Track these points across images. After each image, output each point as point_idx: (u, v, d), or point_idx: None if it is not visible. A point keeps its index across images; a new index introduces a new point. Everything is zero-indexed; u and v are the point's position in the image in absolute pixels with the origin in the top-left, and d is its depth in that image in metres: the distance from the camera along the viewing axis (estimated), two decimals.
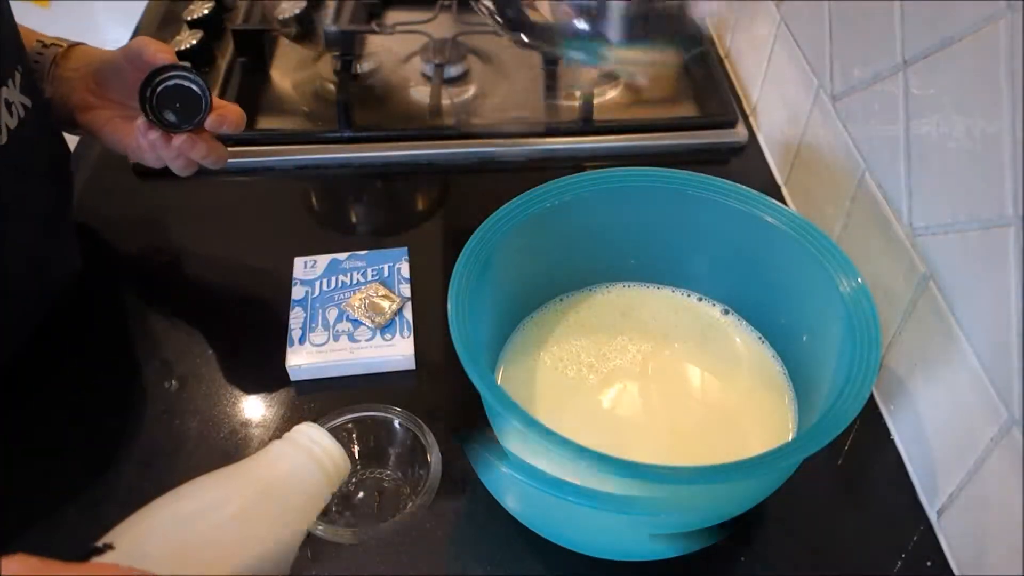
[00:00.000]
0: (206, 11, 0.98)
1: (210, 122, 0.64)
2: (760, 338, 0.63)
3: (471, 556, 0.57)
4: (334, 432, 0.58)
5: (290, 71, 0.96)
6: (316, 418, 0.58)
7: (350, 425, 0.59)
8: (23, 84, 0.62)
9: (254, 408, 0.64)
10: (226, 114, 0.64)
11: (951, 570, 0.56)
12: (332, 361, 0.65)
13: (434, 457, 0.56)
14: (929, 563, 0.56)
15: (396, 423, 0.59)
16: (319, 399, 0.64)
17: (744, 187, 0.61)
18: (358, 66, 0.94)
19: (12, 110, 0.61)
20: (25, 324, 0.67)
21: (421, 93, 0.92)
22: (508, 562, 0.57)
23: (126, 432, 0.63)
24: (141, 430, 0.64)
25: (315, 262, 0.73)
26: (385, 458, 0.60)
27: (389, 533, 0.54)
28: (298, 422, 0.62)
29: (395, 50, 0.97)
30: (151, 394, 0.66)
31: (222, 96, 0.90)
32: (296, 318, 0.68)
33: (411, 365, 0.66)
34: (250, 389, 0.66)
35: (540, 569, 0.57)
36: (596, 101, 0.88)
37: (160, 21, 1.04)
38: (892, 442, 0.63)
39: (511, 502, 0.54)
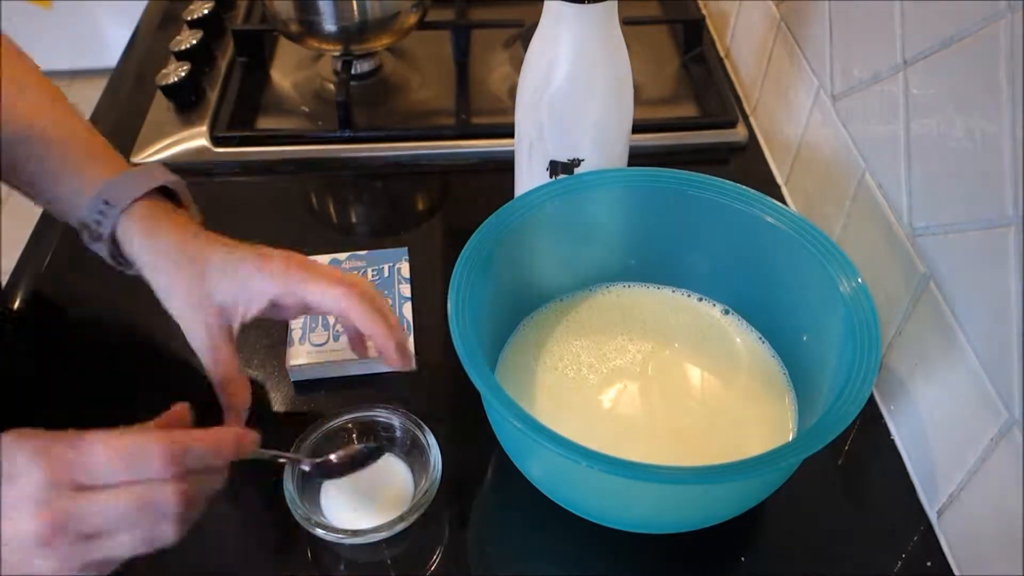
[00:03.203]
0: (206, 11, 0.98)
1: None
2: (760, 338, 0.63)
3: (471, 554, 0.57)
4: (335, 432, 0.58)
5: (290, 71, 0.96)
6: (317, 418, 0.58)
7: (350, 425, 0.59)
8: None
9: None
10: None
11: (951, 570, 0.55)
12: (332, 361, 0.65)
13: (434, 457, 0.56)
14: (929, 563, 0.56)
15: (396, 423, 0.59)
16: (319, 399, 0.64)
17: (744, 187, 0.61)
18: (358, 66, 0.94)
19: None
20: None
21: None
22: (506, 560, 0.57)
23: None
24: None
25: (315, 262, 0.73)
26: (386, 458, 0.60)
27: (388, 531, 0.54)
28: (298, 422, 0.62)
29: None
30: (152, 394, 0.66)
31: (222, 95, 0.90)
32: (296, 318, 0.68)
33: (411, 365, 0.66)
34: (251, 389, 0.66)
35: (541, 568, 0.57)
36: None
37: (160, 21, 1.04)
38: (892, 442, 0.63)
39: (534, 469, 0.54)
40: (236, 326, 0.56)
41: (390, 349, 0.56)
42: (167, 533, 0.44)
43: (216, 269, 0.55)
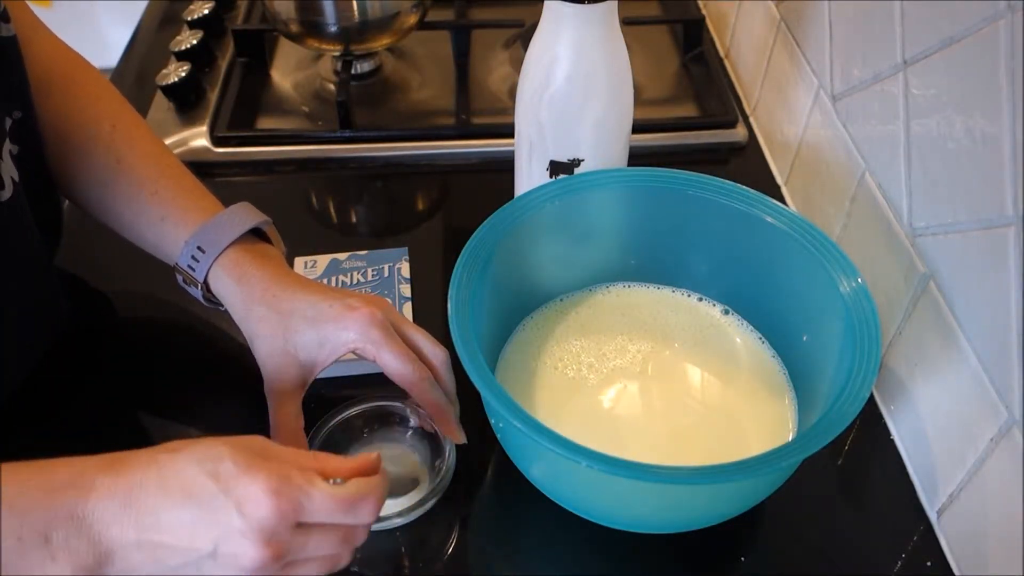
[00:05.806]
0: (206, 11, 0.98)
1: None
2: (760, 338, 0.63)
3: (472, 555, 0.57)
4: (351, 421, 0.59)
5: (290, 71, 0.96)
6: (324, 413, 0.59)
7: (367, 415, 0.60)
8: (11, 129, 0.56)
9: (256, 410, 0.64)
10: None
11: (951, 570, 0.55)
12: (333, 362, 0.65)
13: (448, 445, 0.56)
14: (929, 563, 0.56)
15: (407, 413, 0.59)
16: (319, 400, 0.64)
17: (744, 187, 0.61)
18: (358, 66, 0.94)
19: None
20: (20, 370, 0.62)
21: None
22: (506, 560, 0.57)
23: (128, 430, 0.63)
24: (145, 431, 0.64)
25: (315, 262, 0.73)
26: (401, 446, 0.60)
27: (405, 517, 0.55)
28: (310, 412, 0.62)
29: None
30: (152, 394, 0.66)
31: (222, 95, 0.90)
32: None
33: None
34: (252, 391, 0.65)
35: (542, 568, 0.57)
36: None
37: (160, 21, 1.04)
38: (892, 442, 0.63)
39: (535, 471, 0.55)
40: (312, 377, 0.57)
41: (445, 424, 0.57)
42: (345, 560, 0.46)
43: (301, 321, 0.56)
